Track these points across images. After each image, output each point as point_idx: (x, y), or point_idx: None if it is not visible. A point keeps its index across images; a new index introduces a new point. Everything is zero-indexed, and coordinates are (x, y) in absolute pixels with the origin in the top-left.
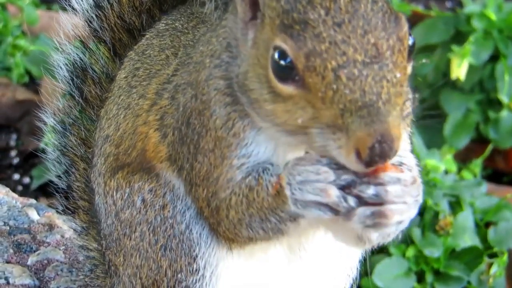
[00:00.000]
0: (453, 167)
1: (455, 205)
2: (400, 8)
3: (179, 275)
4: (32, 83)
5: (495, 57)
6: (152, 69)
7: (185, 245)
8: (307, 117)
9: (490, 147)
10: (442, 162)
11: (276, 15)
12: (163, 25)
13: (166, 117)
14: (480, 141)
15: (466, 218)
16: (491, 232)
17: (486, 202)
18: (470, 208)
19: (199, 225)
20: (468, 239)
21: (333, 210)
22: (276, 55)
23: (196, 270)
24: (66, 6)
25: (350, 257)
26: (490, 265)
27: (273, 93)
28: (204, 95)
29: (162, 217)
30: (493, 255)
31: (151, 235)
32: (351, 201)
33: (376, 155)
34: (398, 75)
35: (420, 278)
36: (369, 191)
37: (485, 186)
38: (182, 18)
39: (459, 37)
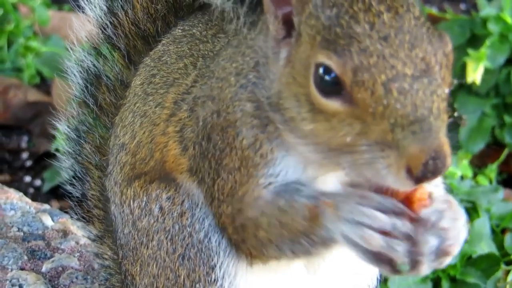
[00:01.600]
0: (469, 173)
1: (472, 211)
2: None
3: (197, 285)
4: (44, 84)
5: (511, 61)
6: (169, 77)
7: (203, 254)
8: (354, 133)
9: (505, 152)
10: (458, 167)
11: (316, 32)
12: (179, 31)
13: (185, 129)
14: (495, 145)
15: (483, 224)
16: (507, 239)
17: (502, 208)
18: (487, 214)
19: (218, 233)
20: (485, 246)
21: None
22: (320, 71)
23: (214, 280)
24: (79, 13)
25: (370, 269)
26: (507, 273)
27: (313, 111)
28: (229, 114)
29: (180, 225)
30: (510, 262)
31: (169, 243)
32: (400, 250)
33: (429, 172)
34: (446, 90)
35: (436, 285)
36: (432, 241)
37: (502, 192)
38: (200, 25)
39: (475, 41)
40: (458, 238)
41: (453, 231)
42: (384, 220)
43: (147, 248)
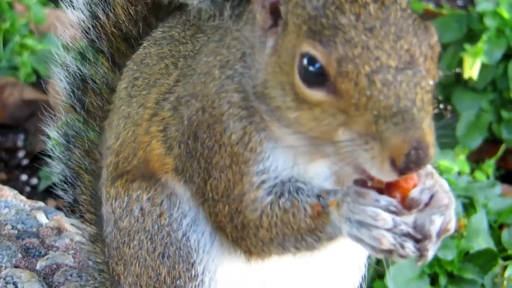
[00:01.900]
0: (466, 168)
1: (469, 207)
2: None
3: (178, 282)
4: (40, 83)
5: (508, 56)
6: (151, 78)
7: (182, 252)
8: (337, 124)
9: (503, 147)
10: (455, 163)
11: (302, 21)
12: (159, 33)
13: (169, 128)
14: (493, 141)
15: (480, 220)
16: (505, 234)
17: (499, 204)
18: (484, 209)
19: (197, 232)
20: (482, 242)
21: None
22: (305, 61)
23: (194, 276)
24: (63, 18)
25: (359, 256)
26: (504, 268)
27: (298, 100)
28: (214, 108)
29: (159, 225)
30: (508, 258)
31: (149, 243)
32: (409, 247)
33: (412, 162)
34: (430, 82)
35: (434, 281)
36: (438, 222)
37: (499, 188)
38: (178, 26)
39: (472, 36)
40: (453, 212)
41: (451, 206)
42: (387, 219)
43: (129, 247)
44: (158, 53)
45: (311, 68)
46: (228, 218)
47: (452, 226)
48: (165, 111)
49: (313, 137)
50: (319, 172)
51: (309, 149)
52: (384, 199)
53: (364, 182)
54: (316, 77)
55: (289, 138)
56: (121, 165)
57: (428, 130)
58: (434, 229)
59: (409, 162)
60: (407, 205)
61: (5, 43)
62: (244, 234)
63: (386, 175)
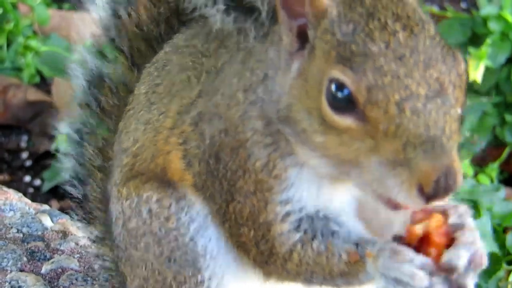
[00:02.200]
0: (470, 172)
1: (473, 211)
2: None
3: (183, 287)
4: (43, 84)
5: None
6: (172, 88)
7: (189, 257)
8: (365, 149)
9: (507, 151)
10: None
11: (331, 47)
12: (182, 40)
13: (189, 143)
14: (496, 144)
15: (484, 224)
16: (509, 238)
17: (504, 207)
18: (488, 213)
19: (204, 237)
20: (486, 245)
21: None
22: (333, 87)
23: (201, 281)
24: (83, 13)
25: None
26: (509, 272)
27: (325, 125)
28: (238, 133)
29: (166, 229)
30: None
31: (156, 246)
32: None
33: (441, 189)
34: (458, 110)
35: None
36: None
37: (503, 191)
38: (201, 36)
39: (476, 39)
40: (482, 249)
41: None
42: (424, 279)
43: (136, 249)
44: (180, 62)
45: (339, 94)
46: (254, 242)
47: (484, 261)
48: (185, 125)
49: (340, 161)
50: (345, 205)
51: (335, 174)
52: (419, 259)
53: (399, 237)
54: (345, 103)
55: (314, 162)
56: (137, 166)
57: (456, 158)
58: (462, 263)
59: (438, 189)
60: (442, 266)
61: (8, 44)
62: (270, 261)
63: (413, 201)
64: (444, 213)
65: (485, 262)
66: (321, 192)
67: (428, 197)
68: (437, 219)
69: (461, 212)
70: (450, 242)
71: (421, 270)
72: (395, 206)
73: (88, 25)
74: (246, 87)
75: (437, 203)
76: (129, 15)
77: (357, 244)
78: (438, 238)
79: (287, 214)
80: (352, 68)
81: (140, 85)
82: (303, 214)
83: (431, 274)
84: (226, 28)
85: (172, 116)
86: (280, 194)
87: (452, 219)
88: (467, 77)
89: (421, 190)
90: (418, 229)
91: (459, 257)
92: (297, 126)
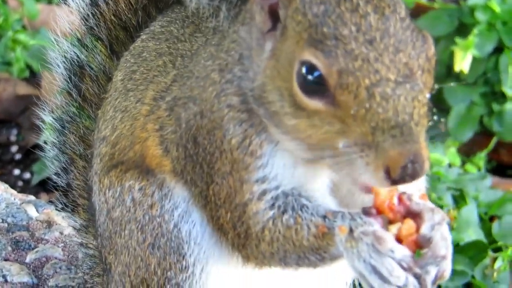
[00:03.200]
0: (457, 161)
1: (459, 199)
2: (403, 0)
3: (168, 273)
4: (33, 78)
5: (499, 49)
6: (149, 74)
7: (173, 243)
8: (334, 132)
9: (494, 140)
10: (446, 155)
11: (302, 28)
12: (158, 27)
13: (165, 128)
14: (484, 134)
15: (470, 212)
16: (495, 226)
17: (490, 196)
18: (474, 201)
19: (188, 223)
20: (472, 233)
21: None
22: (304, 70)
23: (185, 267)
24: (62, 4)
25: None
26: (494, 260)
27: (295, 106)
28: (213, 112)
29: (150, 216)
30: (498, 249)
31: (139, 233)
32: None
33: (407, 175)
34: (427, 95)
35: None
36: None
37: (490, 180)
38: (178, 22)
39: (463, 29)
40: (449, 261)
41: (448, 256)
42: (401, 277)
43: (120, 237)
44: (156, 48)
45: (310, 77)
46: (231, 224)
47: (447, 275)
48: (161, 111)
49: (311, 144)
50: (319, 184)
51: (307, 155)
52: (400, 252)
53: (369, 211)
54: (315, 86)
55: (287, 144)
56: (116, 156)
57: (424, 144)
58: (429, 279)
59: (404, 175)
60: (418, 242)
61: None
62: (246, 243)
63: (379, 182)
64: (420, 216)
65: (447, 276)
66: (297, 170)
67: (394, 181)
68: (409, 225)
69: (437, 221)
70: (420, 248)
71: (400, 264)
72: (369, 189)
73: (67, 15)
74: (222, 66)
75: (417, 201)
76: (107, 3)
77: (325, 217)
78: (407, 244)
79: (263, 192)
80: (323, 52)
81: (117, 73)
82: (279, 192)
83: (407, 269)
84: (200, 7)
85: (148, 103)
86: (256, 172)
87: (424, 229)
88: (436, 60)
89: (387, 173)
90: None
91: (428, 272)
92: (270, 107)
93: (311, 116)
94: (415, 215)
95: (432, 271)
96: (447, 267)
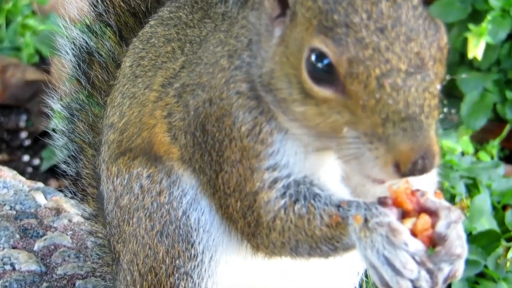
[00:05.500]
0: (470, 149)
1: (472, 188)
2: None
3: (177, 261)
4: (42, 63)
5: None
6: (157, 60)
7: (182, 231)
8: (343, 121)
9: (507, 128)
10: (459, 143)
11: (312, 15)
12: (167, 12)
13: (173, 115)
14: (497, 121)
15: (483, 200)
16: (508, 215)
17: (503, 184)
18: (487, 190)
19: (197, 211)
20: (485, 222)
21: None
22: (314, 57)
23: (194, 255)
24: None
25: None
26: (507, 249)
27: (304, 94)
28: (222, 99)
29: (158, 203)
30: (511, 239)
31: (147, 220)
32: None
33: (417, 170)
34: (438, 86)
35: None
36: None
37: (503, 168)
38: (186, 8)
39: (476, 16)
40: (463, 261)
41: (463, 255)
42: (414, 270)
43: (129, 225)
44: (165, 34)
45: (319, 65)
46: (241, 213)
47: (459, 275)
48: (169, 97)
49: (319, 133)
50: (331, 173)
51: (317, 145)
52: (414, 245)
53: (385, 201)
54: (324, 74)
55: (296, 132)
56: (124, 143)
57: (434, 139)
58: (441, 276)
59: (414, 170)
60: (433, 239)
61: (7, 24)
62: (256, 232)
63: (388, 176)
64: (436, 214)
65: (459, 276)
66: (308, 158)
67: (404, 175)
68: (424, 221)
69: (453, 219)
70: (433, 245)
71: (413, 257)
72: (379, 180)
73: (76, 1)
74: (231, 53)
75: (432, 199)
76: None
77: (338, 206)
78: (421, 239)
79: (274, 180)
80: (333, 39)
81: (126, 59)
82: (291, 180)
83: (420, 263)
84: None
85: (156, 89)
86: (267, 160)
87: (440, 227)
88: (449, 49)
89: (397, 167)
90: (407, 225)
91: (441, 268)
92: (278, 94)
93: (320, 104)
94: (430, 213)
95: (446, 268)
96: (460, 266)
